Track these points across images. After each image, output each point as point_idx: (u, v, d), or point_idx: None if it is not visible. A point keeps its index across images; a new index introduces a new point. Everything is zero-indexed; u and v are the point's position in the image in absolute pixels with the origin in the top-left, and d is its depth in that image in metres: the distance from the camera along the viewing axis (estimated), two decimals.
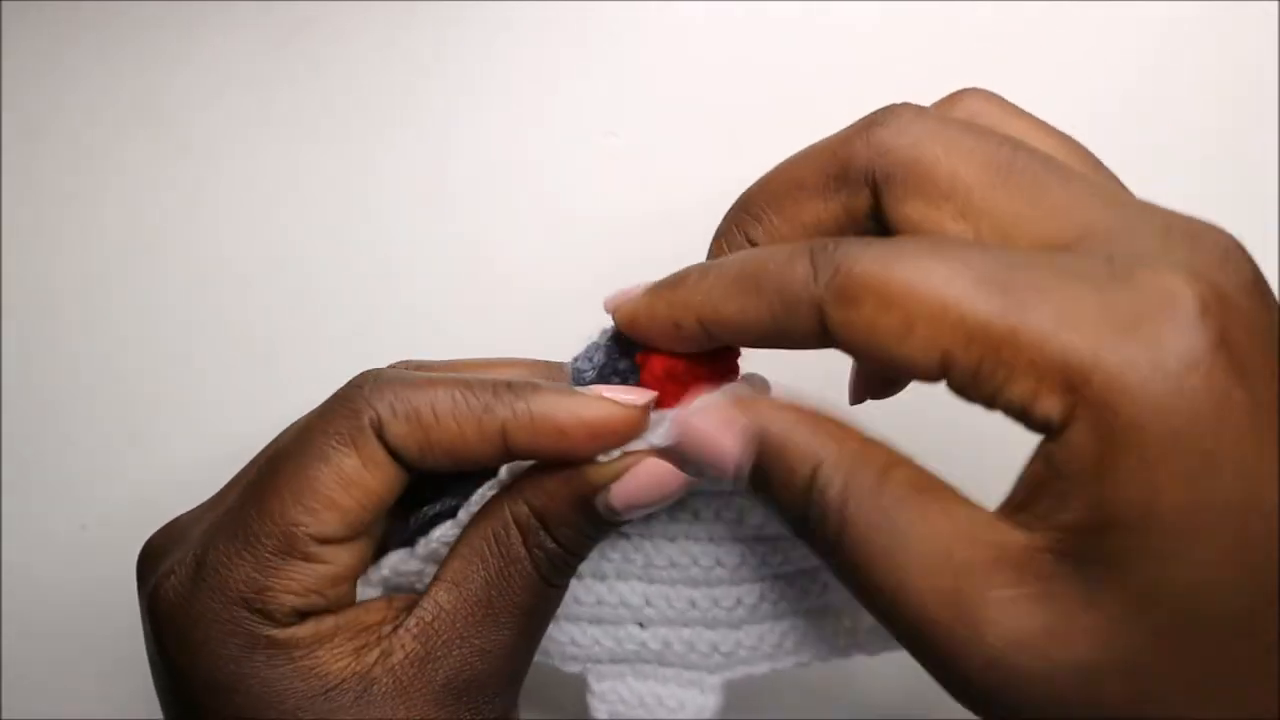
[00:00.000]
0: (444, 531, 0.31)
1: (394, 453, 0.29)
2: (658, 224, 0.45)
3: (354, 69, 0.46)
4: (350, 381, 0.30)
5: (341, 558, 0.29)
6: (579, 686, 0.34)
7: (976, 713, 0.25)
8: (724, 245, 0.30)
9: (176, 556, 0.30)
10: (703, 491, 0.32)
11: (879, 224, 0.28)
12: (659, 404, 0.30)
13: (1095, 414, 0.22)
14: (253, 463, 0.33)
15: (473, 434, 0.28)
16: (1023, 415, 0.23)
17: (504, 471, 0.30)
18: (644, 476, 0.29)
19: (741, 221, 0.30)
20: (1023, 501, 0.25)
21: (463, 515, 0.31)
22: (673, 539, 0.32)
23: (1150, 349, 0.22)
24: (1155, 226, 0.24)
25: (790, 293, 0.25)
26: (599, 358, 0.31)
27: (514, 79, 0.46)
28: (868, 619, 0.34)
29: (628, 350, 0.30)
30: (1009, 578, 0.24)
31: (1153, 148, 0.43)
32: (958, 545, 0.24)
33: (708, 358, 0.29)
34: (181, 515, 0.32)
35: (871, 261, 0.24)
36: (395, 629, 0.29)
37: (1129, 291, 0.23)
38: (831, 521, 0.26)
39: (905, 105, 0.28)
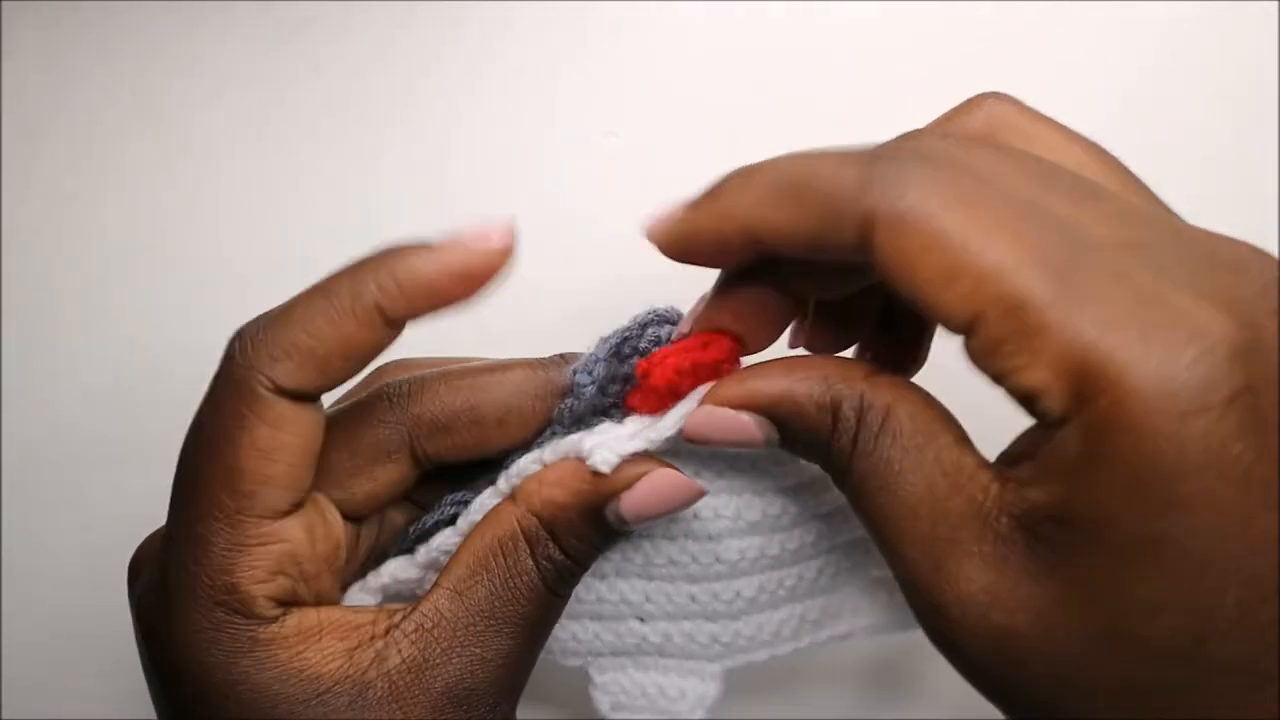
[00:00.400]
0: (444, 539, 0.31)
1: (297, 393, 0.28)
2: None
3: (354, 69, 0.46)
4: (225, 353, 0.29)
5: (294, 530, 0.29)
6: (579, 685, 0.34)
7: (935, 647, 0.27)
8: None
9: (146, 574, 0.30)
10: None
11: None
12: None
13: (1093, 424, 0.22)
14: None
15: (354, 330, 0.28)
16: (1026, 400, 0.24)
17: (503, 480, 0.30)
18: (653, 486, 0.29)
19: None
20: (1012, 460, 0.26)
21: (462, 523, 0.31)
22: (672, 538, 0.32)
23: (1168, 382, 0.22)
24: (1200, 254, 0.24)
25: (837, 203, 0.25)
26: (599, 370, 0.30)
27: (514, 79, 0.46)
28: (864, 603, 0.34)
29: (627, 357, 0.30)
30: (974, 532, 0.25)
31: (1153, 148, 0.43)
32: (941, 489, 0.25)
33: (708, 369, 0.29)
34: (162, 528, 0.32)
35: (931, 193, 0.24)
36: (390, 630, 0.29)
37: (1169, 317, 0.22)
38: (843, 458, 0.27)
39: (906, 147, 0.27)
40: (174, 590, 0.28)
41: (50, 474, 0.46)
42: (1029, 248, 0.23)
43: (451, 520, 0.31)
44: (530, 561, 0.29)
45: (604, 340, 0.31)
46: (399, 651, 0.28)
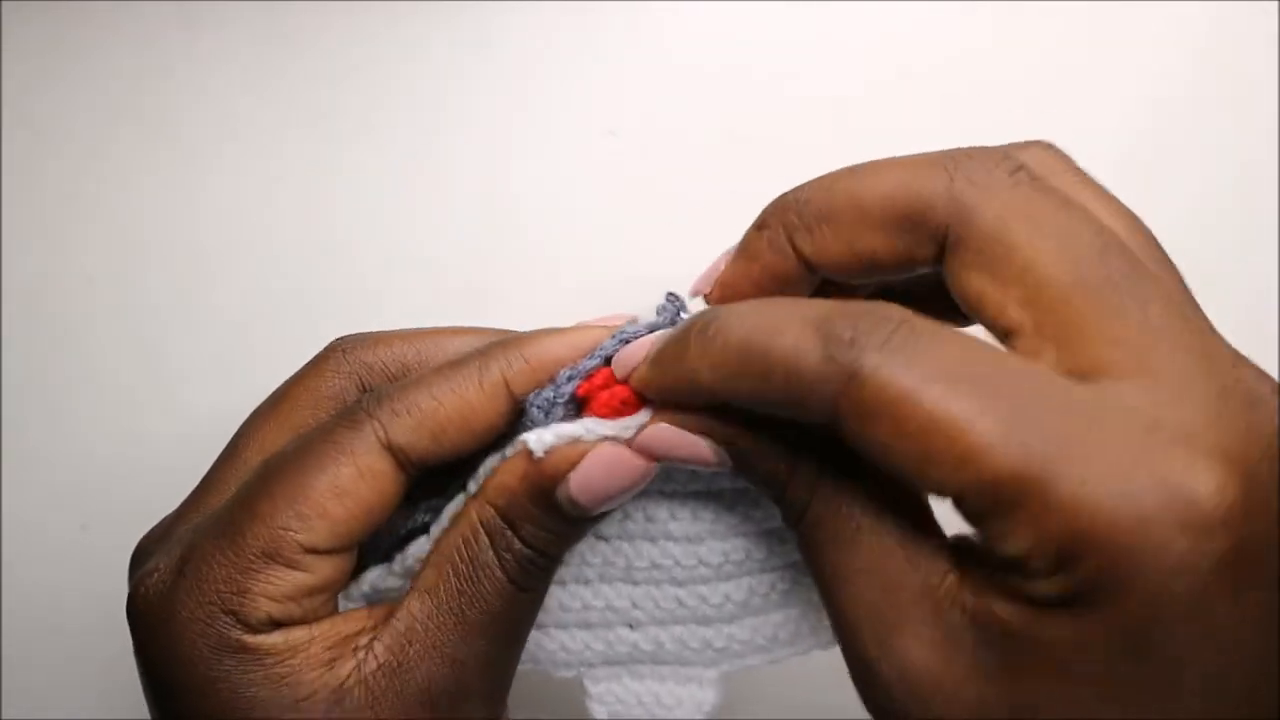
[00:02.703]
0: (419, 547, 0.30)
1: (405, 454, 0.29)
2: (657, 223, 0.45)
3: (354, 69, 0.46)
4: (352, 401, 0.30)
5: (323, 569, 0.29)
6: (575, 694, 0.34)
7: (865, 706, 0.26)
8: (765, 244, 0.29)
9: (160, 556, 0.29)
10: (677, 492, 0.31)
11: (936, 272, 0.27)
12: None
13: (1078, 581, 0.22)
14: (226, 457, 0.32)
15: (477, 399, 0.29)
16: (1012, 566, 0.23)
17: (472, 483, 0.30)
18: (600, 462, 0.28)
19: (789, 224, 0.28)
20: (975, 551, 0.25)
21: (435, 530, 0.30)
22: (653, 540, 0.32)
23: (1157, 545, 0.21)
24: (1214, 389, 0.23)
25: (802, 383, 0.24)
26: (548, 392, 0.30)
27: (515, 78, 0.46)
28: None
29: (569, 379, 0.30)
30: (925, 614, 0.25)
31: (1153, 147, 0.43)
32: (897, 560, 0.25)
33: None
34: (168, 515, 0.32)
35: (892, 377, 0.23)
36: (371, 640, 0.29)
37: (1160, 477, 0.22)
38: (799, 505, 0.27)
39: (999, 160, 0.26)
40: (188, 572, 0.28)
41: (50, 474, 0.46)
42: (1002, 422, 0.22)
43: (425, 528, 0.31)
44: (491, 554, 0.29)
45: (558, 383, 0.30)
46: (375, 657, 0.28)
